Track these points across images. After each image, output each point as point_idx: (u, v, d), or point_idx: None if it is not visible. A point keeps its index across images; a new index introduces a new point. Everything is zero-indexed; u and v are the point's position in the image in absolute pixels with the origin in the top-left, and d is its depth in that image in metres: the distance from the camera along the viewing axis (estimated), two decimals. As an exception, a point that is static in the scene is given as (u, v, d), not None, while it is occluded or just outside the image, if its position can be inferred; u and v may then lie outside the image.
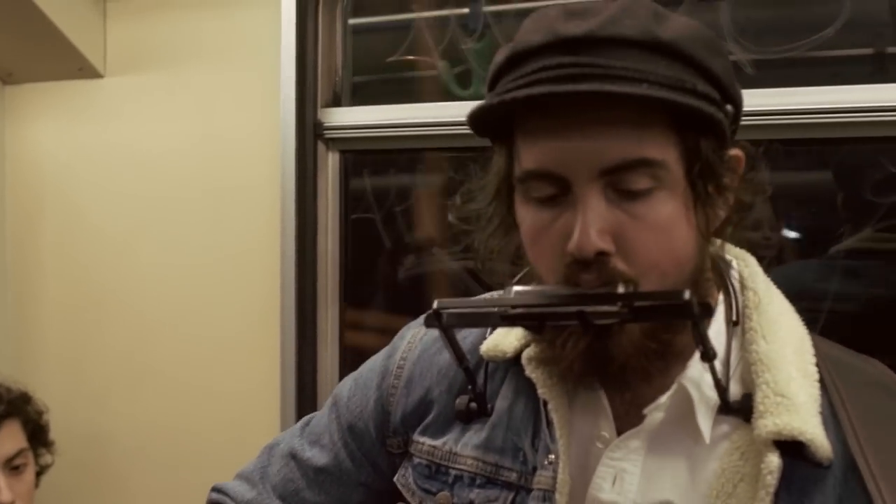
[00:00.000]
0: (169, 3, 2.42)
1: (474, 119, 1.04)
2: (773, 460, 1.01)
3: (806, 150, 2.01)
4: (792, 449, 1.02)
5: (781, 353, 1.08)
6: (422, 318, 1.25)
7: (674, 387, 1.07)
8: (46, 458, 2.29)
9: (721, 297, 1.14)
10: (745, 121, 1.79)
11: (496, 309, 1.01)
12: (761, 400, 1.04)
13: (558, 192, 1.01)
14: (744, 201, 1.10)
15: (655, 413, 1.08)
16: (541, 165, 1.01)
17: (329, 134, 2.29)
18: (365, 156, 2.35)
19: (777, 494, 1.01)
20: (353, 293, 2.37)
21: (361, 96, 2.36)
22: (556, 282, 1.01)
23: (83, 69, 2.48)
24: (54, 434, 2.31)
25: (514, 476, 1.14)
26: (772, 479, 1.01)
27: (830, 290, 1.94)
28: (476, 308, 1.07)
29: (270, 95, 2.27)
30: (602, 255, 0.98)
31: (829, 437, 1.03)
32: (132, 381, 2.51)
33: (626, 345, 1.01)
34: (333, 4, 2.30)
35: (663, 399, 1.07)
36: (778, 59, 1.98)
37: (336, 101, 2.33)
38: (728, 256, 1.17)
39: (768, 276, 1.17)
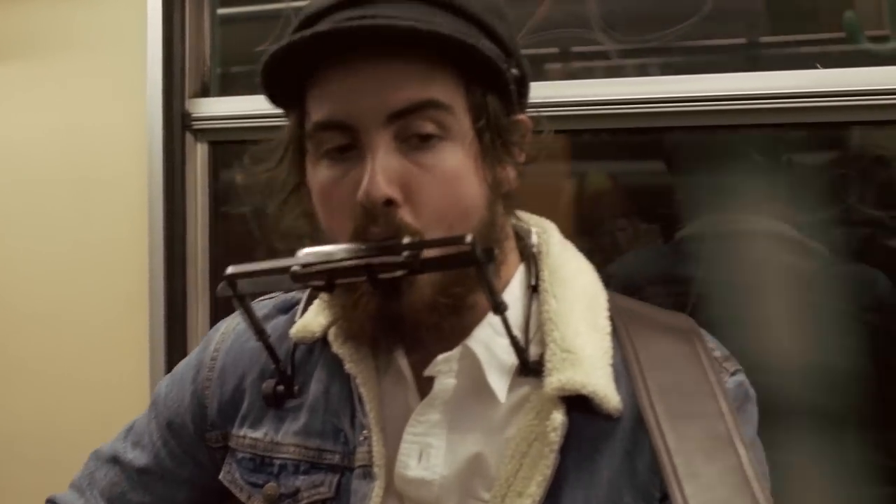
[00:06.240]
0: (32, -8, 2.36)
1: (265, 79, 1.05)
2: (557, 417, 1.03)
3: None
4: (582, 404, 1.04)
5: (570, 310, 1.10)
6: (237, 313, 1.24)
7: (458, 349, 1.09)
8: None
9: (522, 265, 1.17)
10: (612, 109, 1.89)
11: (291, 268, 0.99)
12: (549, 358, 1.06)
13: (349, 142, 1.02)
14: (531, 158, 1.14)
15: (445, 378, 1.09)
16: (329, 115, 1.02)
17: (197, 125, 2.24)
18: (235, 147, 2.30)
19: (568, 451, 1.03)
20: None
21: (231, 87, 2.32)
22: (346, 240, 1.01)
23: (-56, 60, 2.39)
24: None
25: (336, 458, 1.14)
26: (555, 437, 1.02)
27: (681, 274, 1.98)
28: (267, 270, 1.03)
29: (137, 86, 2.22)
30: (390, 204, 0.99)
31: (621, 391, 1.06)
32: (-4, 377, 2.44)
33: (416, 301, 1.01)
34: (201, -7, 2.27)
35: (440, 358, 1.09)
36: (648, 48, 2.01)
37: (204, 92, 2.29)
38: (527, 225, 1.20)
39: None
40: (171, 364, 2.21)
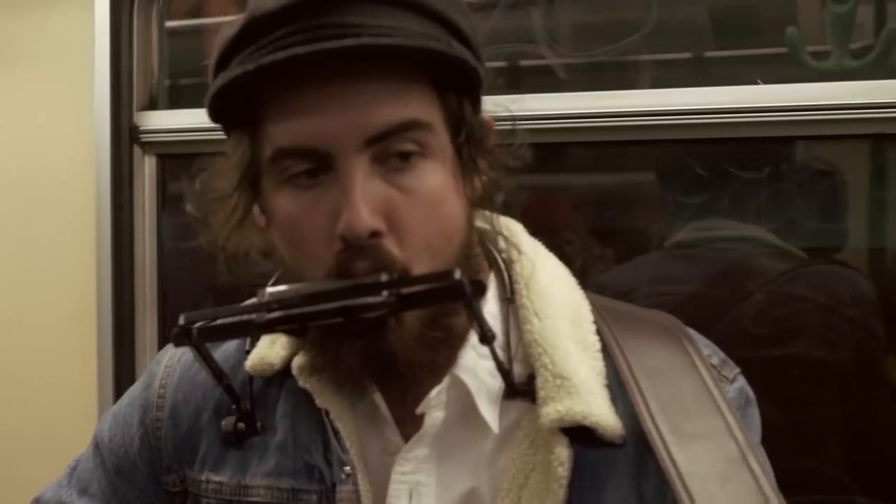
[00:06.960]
0: (-20, 4, 2.34)
1: (217, 100, 0.95)
2: (563, 452, 0.96)
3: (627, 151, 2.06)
4: (581, 432, 0.96)
5: (557, 329, 1.02)
6: None
7: (446, 380, 1.00)
8: None
9: (492, 274, 1.08)
10: (556, 123, 1.90)
11: (252, 316, 0.87)
12: (542, 385, 0.98)
13: (317, 166, 0.92)
14: (505, 167, 1.04)
15: (435, 412, 1.01)
16: (298, 141, 0.91)
17: (145, 138, 2.24)
18: (184, 160, 2.29)
19: (572, 482, 0.96)
20: (173, 301, 2.32)
21: (179, 100, 2.31)
22: (324, 275, 0.91)
23: None
24: None
25: (314, 497, 1.04)
26: (563, 471, 0.95)
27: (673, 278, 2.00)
28: (229, 318, 0.91)
29: (84, 99, 2.22)
30: (375, 236, 0.90)
31: (618, 411, 0.99)
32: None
33: (406, 338, 0.92)
34: (149, 6, 2.26)
35: (433, 394, 1.00)
36: (594, 62, 2.02)
37: (152, 105, 2.28)
38: (491, 228, 1.10)
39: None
40: (118, 376, 2.21)
